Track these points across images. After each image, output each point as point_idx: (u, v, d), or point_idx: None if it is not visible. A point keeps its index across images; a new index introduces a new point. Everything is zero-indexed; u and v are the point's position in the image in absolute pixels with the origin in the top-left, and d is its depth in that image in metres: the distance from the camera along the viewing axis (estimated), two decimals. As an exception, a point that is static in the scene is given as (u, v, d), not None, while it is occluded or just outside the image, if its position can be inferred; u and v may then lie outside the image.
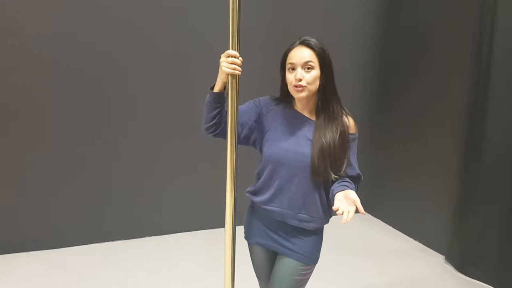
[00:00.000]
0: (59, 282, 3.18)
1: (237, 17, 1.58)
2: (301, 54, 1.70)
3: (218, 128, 1.77)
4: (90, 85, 3.58)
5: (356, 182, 1.83)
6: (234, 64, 1.62)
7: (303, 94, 1.71)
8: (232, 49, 1.62)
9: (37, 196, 3.57)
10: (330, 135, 1.71)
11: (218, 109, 1.74)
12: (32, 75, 3.40)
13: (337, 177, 1.74)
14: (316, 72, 1.71)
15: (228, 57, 1.62)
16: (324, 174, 1.72)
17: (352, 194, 1.63)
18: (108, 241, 3.85)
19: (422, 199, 4.08)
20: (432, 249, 3.96)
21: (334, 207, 1.58)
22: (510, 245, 3.21)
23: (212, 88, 1.73)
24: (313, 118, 1.79)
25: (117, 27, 3.57)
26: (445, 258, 3.75)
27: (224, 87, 1.71)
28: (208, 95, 1.74)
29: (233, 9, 1.57)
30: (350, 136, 1.78)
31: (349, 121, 1.79)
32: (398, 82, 4.39)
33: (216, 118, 1.75)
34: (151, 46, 3.70)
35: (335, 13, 4.32)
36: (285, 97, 1.85)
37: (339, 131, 1.73)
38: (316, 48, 1.71)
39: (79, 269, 3.37)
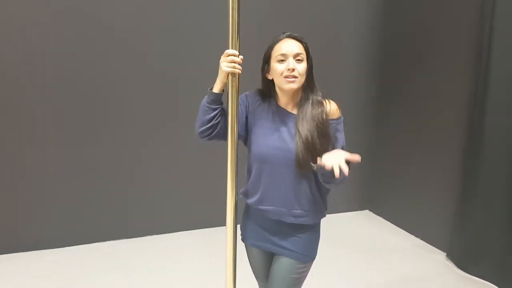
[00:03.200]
0: (60, 282, 3.18)
1: (236, 16, 1.58)
2: (292, 46, 1.69)
3: (214, 131, 1.75)
4: (91, 86, 3.58)
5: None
6: (234, 62, 1.61)
7: (295, 85, 1.69)
8: (232, 48, 1.62)
9: (38, 196, 3.57)
10: (310, 126, 1.69)
11: (217, 110, 1.72)
12: (35, 77, 3.40)
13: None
14: (305, 65, 1.71)
15: (228, 56, 1.62)
16: (309, 166, 1.70)
17: (337, 150, 1.60)
18: (109, 240, 3.86)
19: (423, 196, 4.08)
20: (433, 246, 3.96)
21: (320, 162, 1.54)
22: (511, 242, 3.21)
23: (211, 89, 1.72)
24: (295, 112, 1.77)
25: (117, 28, 3.57)
26: (446, 255, 3.75)
27: (223, 89, 1.69)
28: (206, 96, 1.73)
29: (232, 8, 1.57)
30: (333, 121, 1.75)
31: (331, 106, 1.76)
32: (399, 81, 4.37)
33: (213, 120, 1.73)
34: (150, 47, 3.70)
35: (335, 12, 4.30)
36: (268, 93, 1.84)
37: (317, 121, 1.70)
38: (303, 42, 1.72)
39: (81, 269, 3.37)
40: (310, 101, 1.74)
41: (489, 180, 3.32)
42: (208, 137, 1.76)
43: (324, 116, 1.72)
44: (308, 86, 1.76)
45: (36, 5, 3.31)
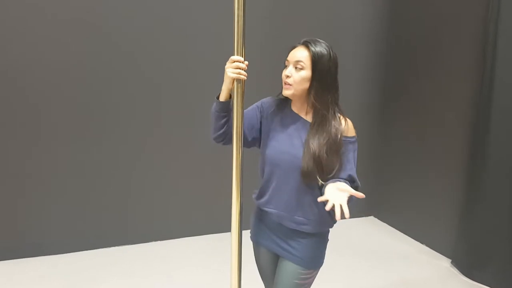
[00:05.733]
0: None
1: (242, 22, 1.59)
2: (296, 53, 1.72)
3: (227, 136, 1.77)
4: (91, 89, 3.58)
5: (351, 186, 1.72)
6: (239, 68, 1.62)
7: (288, 92, 1.73)
8: (238, 54, 1.63)
9: (39, 202, 3.57)
10: (320, 142, 1.69)
11: (226, 117, 1.74)
12: (34, 80, 3.40)
13: (324, 183, 1.69)
14: (305, 73, 1.70)
15: (233, 62, 1.63)
16: (313, 178, 1.70)
17: (343, 185, 1.58)
18: (113, 246, 3.85)
19: (428, 202, 4.06)
20: (438, 252, 3.94)
21: (320, 198, 1.55)
22: (517, 248, 3.20)
23: (218, 97, 1.73)
24: (309, 119, 1.79)
25: (120, 32, 3.57)
26: (451, 262, 3.73)
27: (230, 95, 1.70)
28: (214, 104, 1.74)
29: (238, 15, 1.58)
30: (347, 139, 1.75)
31: (347, 124, 1.76)
32: (402, 85, 4.38)
33: (225, 127, 1.75)
34: (153, 51, 3.70)
35: (339, 17, 4.31)
36: (285, 98, 1.85)
37: (329, 138, 1.70)
38: (312, 50, 1.70)
39: (83, 275, 3.37)
40: (324, 115, 1.73)
41: (494, 186, 3.31)
42: (223, 142, 1.79)
43: (339, 135, 1.72)
44: (316, 97, 1.72)
45: (38, 9, 3.32)
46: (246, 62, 1.65)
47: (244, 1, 1.57)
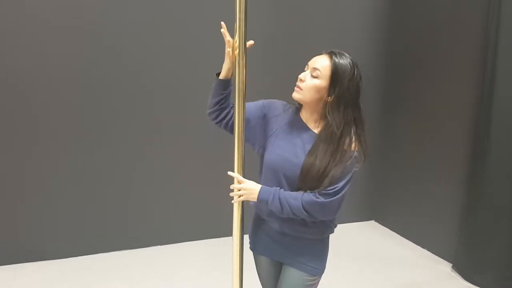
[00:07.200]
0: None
1: (243, 26, 1.60)
2: (316, 60, 1.70)
3: (219, 116, 1.81)
4: (91, 90, 3.56)
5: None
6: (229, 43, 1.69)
7: (297, 95, 1.70)
8: (239, 58, 1.64)
9: (40, 205, 3.56)
10: (324, 162, 1.63)
11: (222, 95, 1.78)
12: (34, 81, 3.39)
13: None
14: (319, 83, 1.65)
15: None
16: (305, 188, 1.68)
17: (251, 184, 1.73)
18: (114, 250, 3.84)
19: (429, 206, 4.06)
20: (439, 256, 3.93)
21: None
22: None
23: (218, 74, 1.78)
24: (316, 131, 1.73)
25: (120, 34, 3.57)
26: (452, 266, 3.72)
27: (230, 76, 1.74)
28: (214, 81, 1.79)
29: (239, 18, 1.59)
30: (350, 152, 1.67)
31: (354, 150, 1.69)
32: (403, 88, 4.38)
33: (218, 105, 1.79)
34: (154, 53, 3.70)
35: (340, 20, 4.31)
36: (296, 106, 1.83)
37: (337, 162, 1.63)
38: (334, 61, 1.65)
39: (84, 280, 3.36)
40: (336, 133, 1.64)
41: (495, 190, 3.30)
42: (214, 120, 1.83)
43: (347, 160, 1.65)
44: (329, 112, 1.66)
45: (38, 11, 3.32)
46: (251, 41, 1.68)
47: (246, 4, 1.58)
